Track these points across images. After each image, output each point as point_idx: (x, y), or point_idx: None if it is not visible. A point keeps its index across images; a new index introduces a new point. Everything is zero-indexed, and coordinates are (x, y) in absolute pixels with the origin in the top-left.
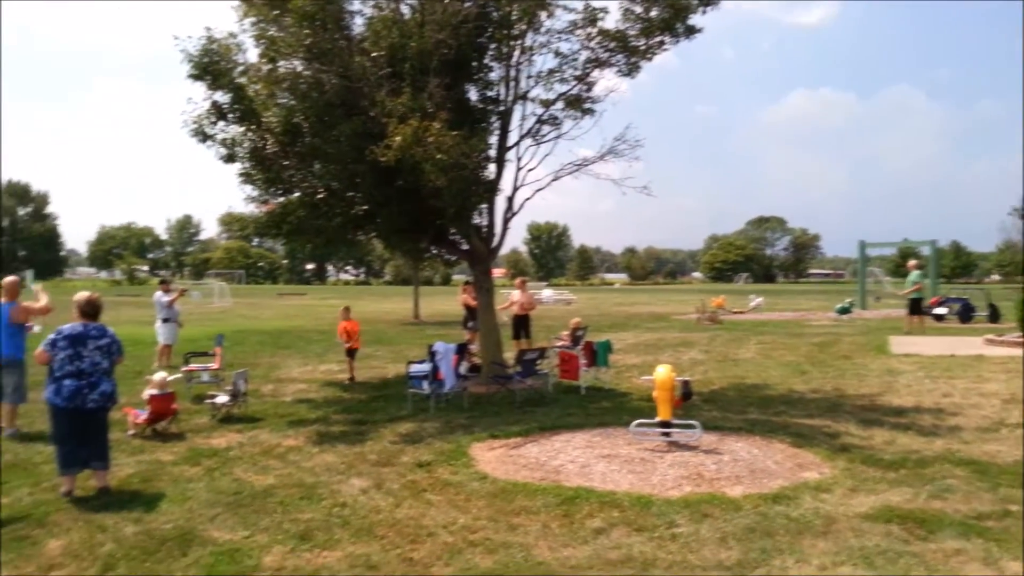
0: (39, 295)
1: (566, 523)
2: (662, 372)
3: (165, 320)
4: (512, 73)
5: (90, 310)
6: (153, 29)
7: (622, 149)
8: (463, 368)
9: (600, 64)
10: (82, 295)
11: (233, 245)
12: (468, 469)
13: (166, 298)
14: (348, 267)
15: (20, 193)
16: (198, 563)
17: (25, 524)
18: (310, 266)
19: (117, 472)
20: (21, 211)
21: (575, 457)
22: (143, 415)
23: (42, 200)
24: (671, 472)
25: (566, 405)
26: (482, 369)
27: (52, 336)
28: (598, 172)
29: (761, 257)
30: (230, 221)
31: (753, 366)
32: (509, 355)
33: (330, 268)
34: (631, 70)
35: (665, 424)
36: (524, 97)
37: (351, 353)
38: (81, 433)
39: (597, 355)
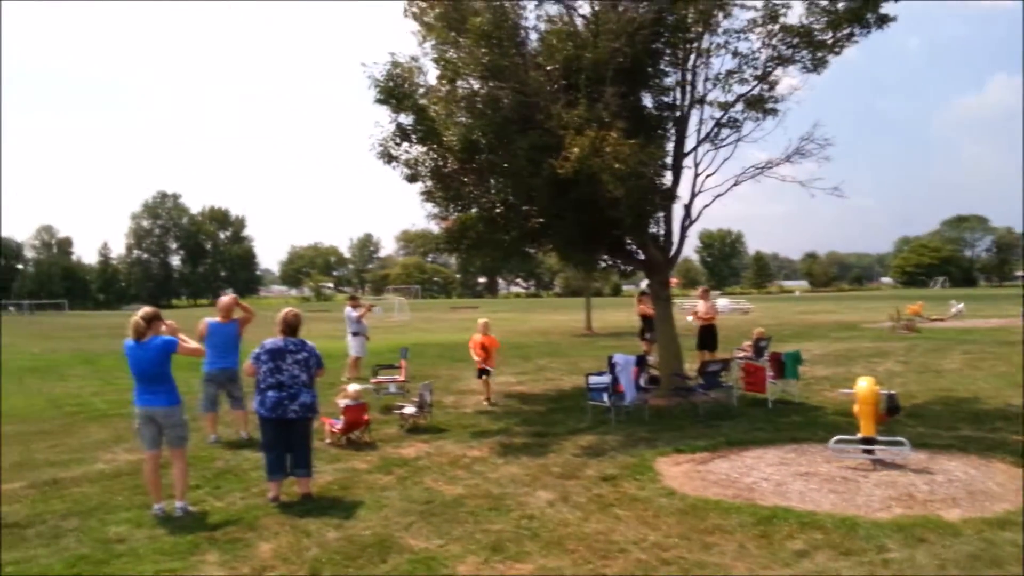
0: (241, 306)
1: (764, 544)
2: (864, 385)
3: (355, 334)
4: (688, 77)
5: (287, 326)
6: (327, 56)
7: (810, 149)
8: (643, 380)
9: (783, 61)
10: (282, 312)
11: (410, 261)
12: (655, 484)
13: (355, 313)
14: (518, 280)
15: (220, 218)
16: (397, 570)
17: (238, 527)
18: (482, 280)
19: (318, 479)
20: (222, 235)
21: (769, 474)
22: (338, 425)
23: (239, 224)
24: (877, 492)
25: (753, 419)
26: (662, 381)
27: (256, 350)
28: (783, 175)
29: (960, 259)
30: (408, 239)
31: (960, 378)
32: (688, 367)
33: (501, 281)
34: (817, 65)
35: (868, 440)
36: (701, 101)
37: (484, 373)
38: (285, 442)
39: (785, 367)
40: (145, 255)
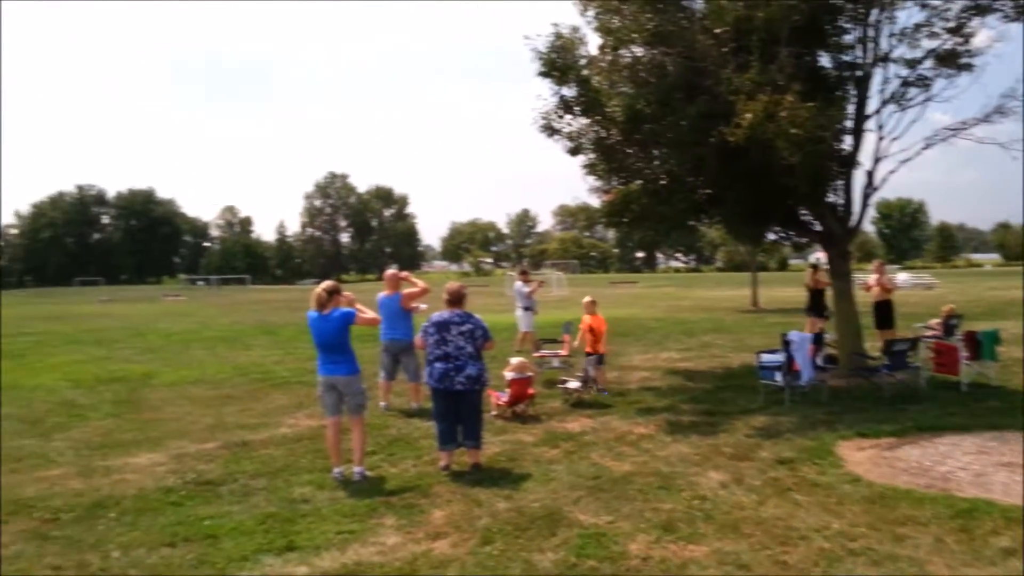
0: (412, 281)
1: (964, 539)
2: None
3: (526, 308)
4: (870, 33)
5: (452, 298)
6: (486, 29)
7: (1011, 107)
8: (820, 359)
9: (980, 11)
10: (448, 285)
11: (567, 236)
12: (837, 469)
13: (526, 288)
14: (678, 254)
15: (385, 196)
16: (567, 544)
17: (412, 493)
18: (640, 254)
19: (486, 450)
20: (387, 212)
21: (966, 463)
22: (504, 397)
23: (403, 201)
24: None
25: (945, 403)
26: (840, 360)
27: (425, 323)
28: (980, 136)
29: None
30: (567, 213)
31: None
32: (869, 345)
33: (660, 256)
34: (1021, 13)
35: None
36: (885, 59)
37: (598, 360)
38: (454, 413)
39: (981, 347)
40: (317, 232)
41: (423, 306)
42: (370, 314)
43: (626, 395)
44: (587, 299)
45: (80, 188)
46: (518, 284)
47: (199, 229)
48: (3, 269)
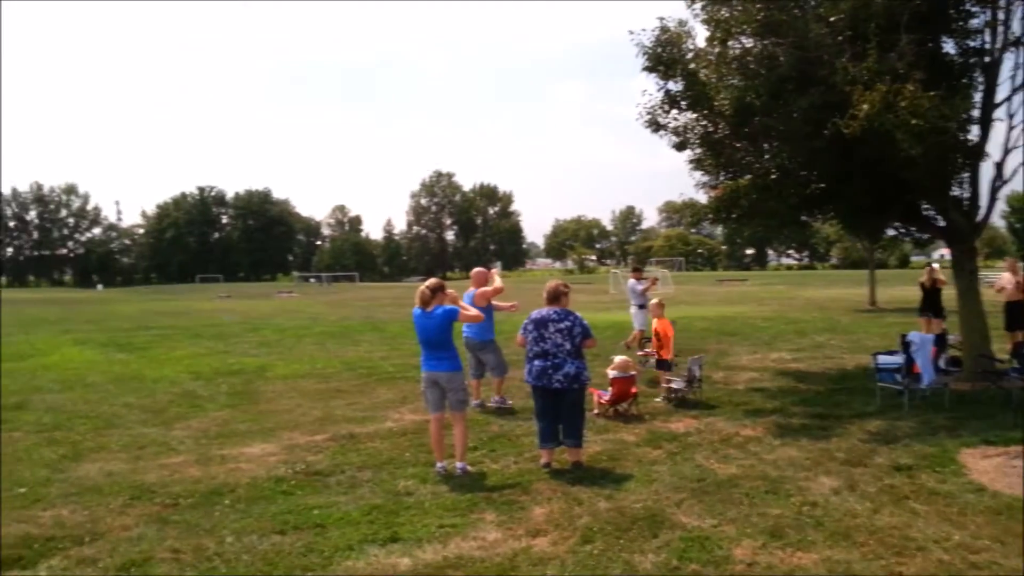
0: (493, 280)
1: None
2: None
3: (640, 307)
4: (1000, 16)
5: (551, 296)
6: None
7: None
8: (943, 361)
9: None
10: (548, 283)
11: (672, 233)
12: (959, 478)
13: (640, 286)
14: (790, 251)
15: (490, 194)
16: (668, 546)
17: (512, 490)
18: (749, 251)
19: (587, 449)
20: (491, 210)
21: None
22: (606, 396)
23: (507, 199)
24: None
25: None
26: (965, 363)
27: (525, 321)
28: None
29: None
30: (673, 209)
31: None
32: (997, 348)
33: (770, 253)
34: None
35: None
36: (1017, 43)
37: (663, 366)
38: (554, 410)
39: None
40: (423, 231)
41: (509, 304)
42: (472, 311)
43: (733, 396)
44: (654, 300)
45: (201, 189)
46: (631, 282)
47: (311, 228)
48: (130, 266)
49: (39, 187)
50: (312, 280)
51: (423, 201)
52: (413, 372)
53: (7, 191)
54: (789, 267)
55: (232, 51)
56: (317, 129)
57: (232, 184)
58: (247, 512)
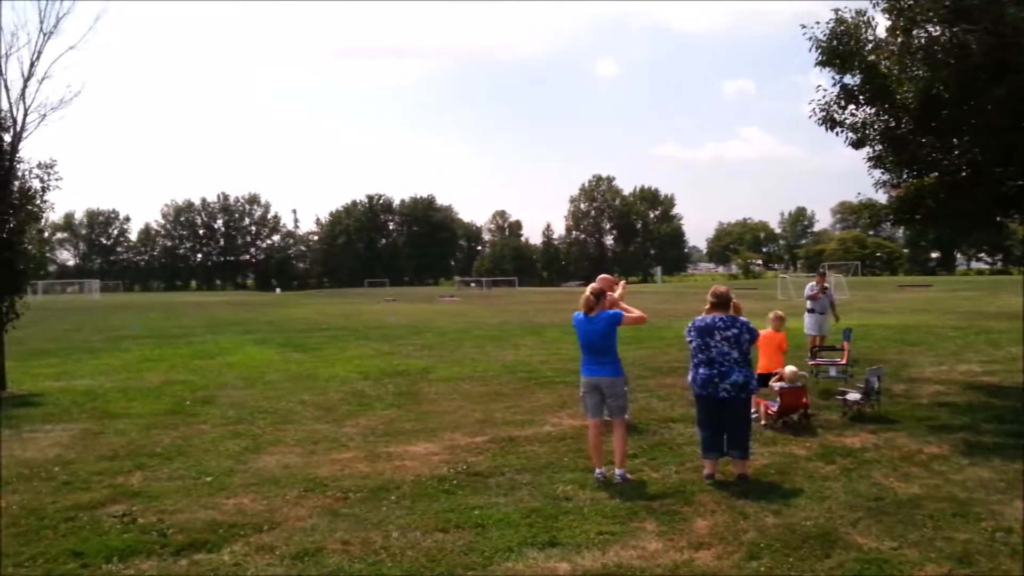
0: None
1: None
2: None
3: (820, 313)
4: None
5: (718, 301)
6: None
7: None
8: None
9: None
10: (712, 288)
11: (848, 235)
12: None
13: (810, 290)
14: (981, 255)
15: (650, 198)
16: (842, 567)
17: (673, 499)
18: (934, 255)
19: (754, 461)
20: (651, 214)
21: None
22: (774, 407)
23: (669, 203)
24: None
25: None
26: None
27: (688, 326)
28: None
29: None
30: (848, 210)
31: None
32: None
33: (959, 256)
34: None
35: None
36: None
37: (765, 380)
38: (718, 420)
39: None
40: (582, 235)
41: (637, 315)
42: (636, 313)
43: (915, 410)
44: (772, 313)
45: (370, 197)
46: (810, 285)
47: (473, 233)
48: (305, 271)
49: (225, 197)
50: (472, 284)
51: (582, 206)
52: (572, 377)
53: (197, 201)
54: (980, 272)
55: (394, 60)
56: (478, 135)
57: (398, 192)
58: (411, 509)
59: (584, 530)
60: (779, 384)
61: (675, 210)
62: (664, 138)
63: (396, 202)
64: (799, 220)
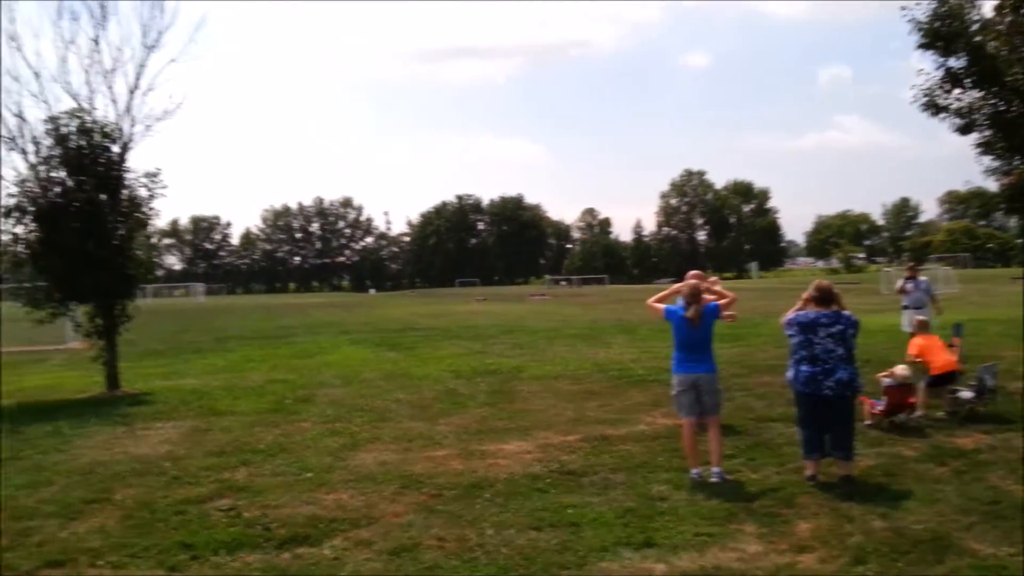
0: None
1: None
2: None
3: (916, 308)
4: None
5: (822, 297)
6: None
7: None
8: None
9: None
10: (814, 283)
11: (956, 226)
12: None
13: (911, 285)
14: None
15: (744, 191)
16: (956, 574)
17: (773, 501)
18: None
19: (859, 462)
20: (745, 208)
21: None
22: (880, 406)
23: (763, 196)
24: None
25: None
26: None
27: (788, 317)
28: None
29: None
30: (956, 200)
31: None
32: None
33: None
34: None
35: None
36: None
37: (939, 380)
38: (820, 420)
39: None
40: (673, 231)
41: (729, 314)
42: (727, 296)
43: None
44: (918, 319)
45: (460, 198)
46: (900, 282)
47: (562, 231)
48: (398, 272)
49: (321, 201)
50: (563, 283)
51: (673, 201)
52: (665, 375)
53: (294, 206)
54: None
55: (476, 61)
56: (565, 133)
57: (487, 192)
58: (505, 507)
59: (681, 531)
60: (887, 381)
61: (770, 203)
62: (757, 129)
63: (485, 202)
64: (903, 211)
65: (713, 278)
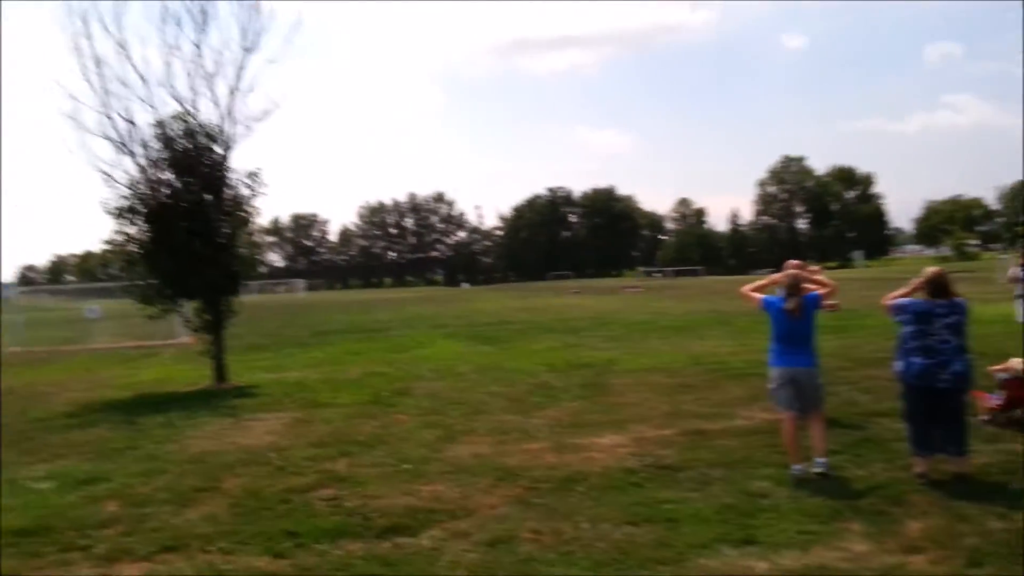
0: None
1: None
2: None
3: (1019, 296)
4: None
5: (934, 286)
6: None
7: None
8: None
9: None
10: (928, 271)
11: None
12: None
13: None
14: None
15: (846, 177)
16: None
17: (881, 499)
18: None
19: (973, 459)
20: (848, 194)
21: None
22: (997, 400)
23: (867, 181)
24: None
25: None
26: None
27: (900, 302)
28: None
29: None
30: None
31: None
32: None
33: None
34: None
35: None
36: None
37: None
38: (932, 414)
39: None
40: (772, 220)
41: (832, 303)
42: (828, 284)
43: None
44: None
45: (551, 190)
46: (1014, 270)
47: (655, 222)
48: (490, 265)
49: (413, 197)
50: (656, 275)
51: (771, 189)
52: (763, 368)
53: (388, 202)
54: None
55: (563, 51)
56: (658, 121)
57: (578, 184)
58: (600, 500)
59: (783, 528)
60: (1002, 375)
61: (875, 188)
62: (859, 112)
63: (576, 194)
64: (1020, 195)
65: (814, 267)
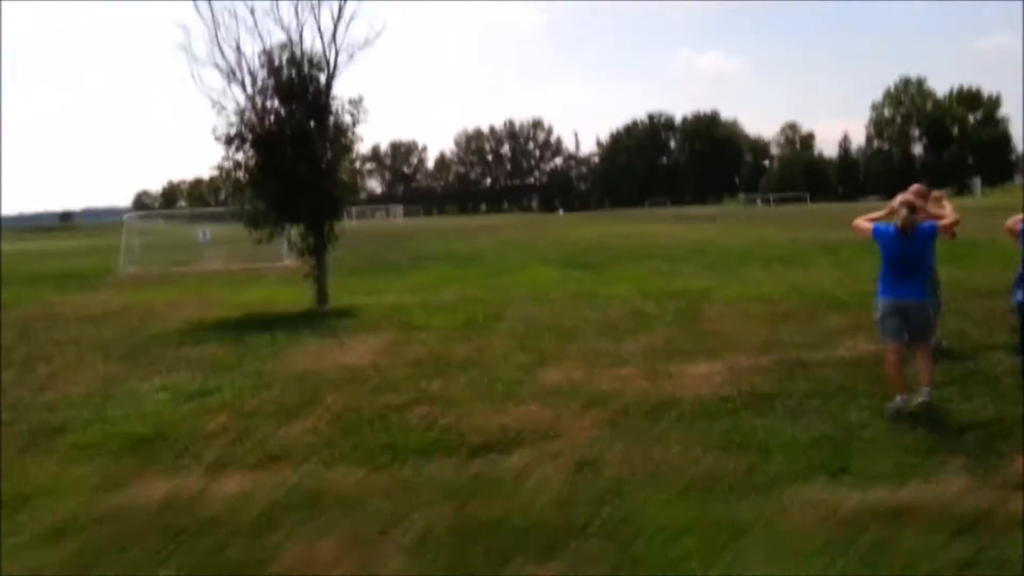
0: (942, 205)
1: None
2: None
3: None
4: None
5: None
6: None
7: None
8: None
9: None
10: None
11: None
12: None
13: None
14: None
15: (970, 100)
16: None
17: (985, 435)
18: None
19: None
20: (971, 118)
21: None
22: None
23: (992, 104)
24: None
25: None
26: None
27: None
28: None
29: None
30: None
31: None
32: None
33: None
34: None
35: None
36: None
37: None
38: None
39: None
40: (885, 145)
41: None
42: (950, 216)
43: None
44: None
45: (651, 116)
46: None
47: (760, 148)
48: (587, 192)
49: (511, 124)
50: (759, 202)
51: (886, 112)
52: (869, 299)
53: (486, 129)
54: None
55: None
56: (766, 43)
57: (680, 108)
58: (692, 427)
59: (880, 460)
60: None
61: (1000, 111)
62: (988, 27)
63: (678, 119)
64: None
65: (939, 193)
